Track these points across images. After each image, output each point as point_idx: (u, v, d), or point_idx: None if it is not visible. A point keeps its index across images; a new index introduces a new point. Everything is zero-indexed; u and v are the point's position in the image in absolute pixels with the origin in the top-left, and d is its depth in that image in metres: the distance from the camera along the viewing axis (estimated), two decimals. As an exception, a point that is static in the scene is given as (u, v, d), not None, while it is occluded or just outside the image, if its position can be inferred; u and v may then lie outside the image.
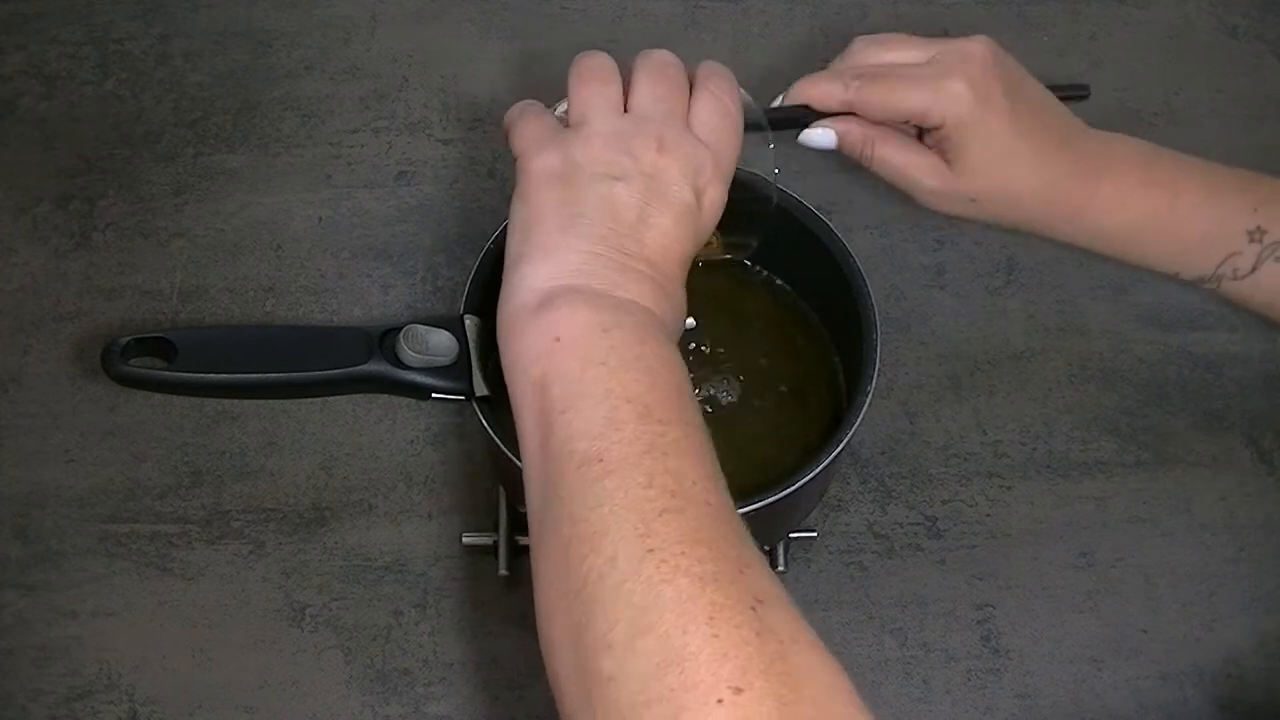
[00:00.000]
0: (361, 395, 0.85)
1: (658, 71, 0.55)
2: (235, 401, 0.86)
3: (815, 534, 0.82)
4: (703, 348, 0.81)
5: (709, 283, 0.83)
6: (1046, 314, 0.92)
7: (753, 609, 0.41)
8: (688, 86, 0.55)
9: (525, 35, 1.03)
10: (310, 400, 0.86)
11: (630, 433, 0.45)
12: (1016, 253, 0.94)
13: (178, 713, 0.77)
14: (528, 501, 0.47)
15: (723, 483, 0.46)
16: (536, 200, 0.52)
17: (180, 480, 0.84)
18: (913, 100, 0.61)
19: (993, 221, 0.65)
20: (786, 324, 0.82)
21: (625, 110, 0.54)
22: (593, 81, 0.54)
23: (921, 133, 0.64)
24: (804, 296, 0.83)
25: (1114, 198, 0.63)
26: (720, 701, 0.38)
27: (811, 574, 0.82)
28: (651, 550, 0.42)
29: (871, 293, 0.74)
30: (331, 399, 0.86)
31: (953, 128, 0.61)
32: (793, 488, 0.68)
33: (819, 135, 0.64)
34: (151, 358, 0.69)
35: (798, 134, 0.64)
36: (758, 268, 0.84)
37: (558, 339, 0.48)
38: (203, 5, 1.04)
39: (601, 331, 0.48)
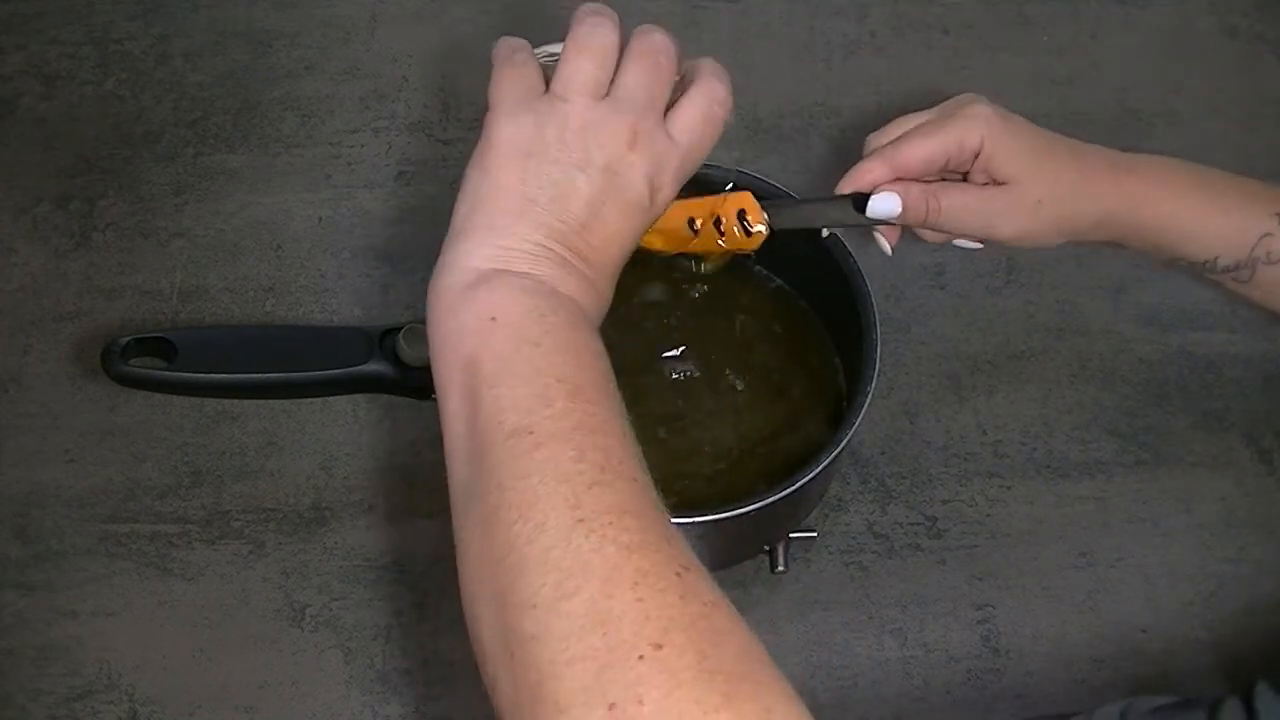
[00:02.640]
0: (361, 395, 0.85)
1: (649, 58, 0.54)
2: (235, 401, 0.86)
3: (815, 534, 0.82)
4: (706, 348, 0.81)
5: (709, 283, 0.83)
6: (1046, 314, 0.92)
7: (678, 574, 0.42)
8: (675, 76, 0.55)
9: (525, 35, 1.02)
10: (310, 400, 0.86)
11: (560, 409, 0.46)
12: (1016, 253, 0.94)
13: (178, 713, 0.77)
14: (450, 476, 0.48)
15: (644, 465, 0.47)
16: (496, 173, 0.51)
17: (180, 480, 0.84)
18: (947, 136, 0.65)
19: (1061, 234, 0.68)
20: (787, 324, 0.82)
21: (608, 91, 0.53)
22: (587, 55, 0.53)
23: (964, 179, 0.68)
24: (804, 296, 0.83)
25: (1145, 190, 0.67)
26: (641, 657, 0.39)
27: (811, 574, 0.82)
28: (581, 520, 0.43)
29: (871, 293, 0.74)
30: (331, 399, 0.86)
31: (990, 141, 0.64)
32: (793, 488, 0.68)
33: (883, 201, 0.66)
34: (151, 358, 0.69)
35: (860, 211, 0.67)
36: (758, 267, 0.84)
37: (493, 319, 0.48)
38: (203, 5, 1.04)
39: (538, 316, 0.48)
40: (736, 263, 0.81)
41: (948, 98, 0.68)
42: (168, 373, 0.69)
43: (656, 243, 0.65)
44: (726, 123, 0.58)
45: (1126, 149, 0.92)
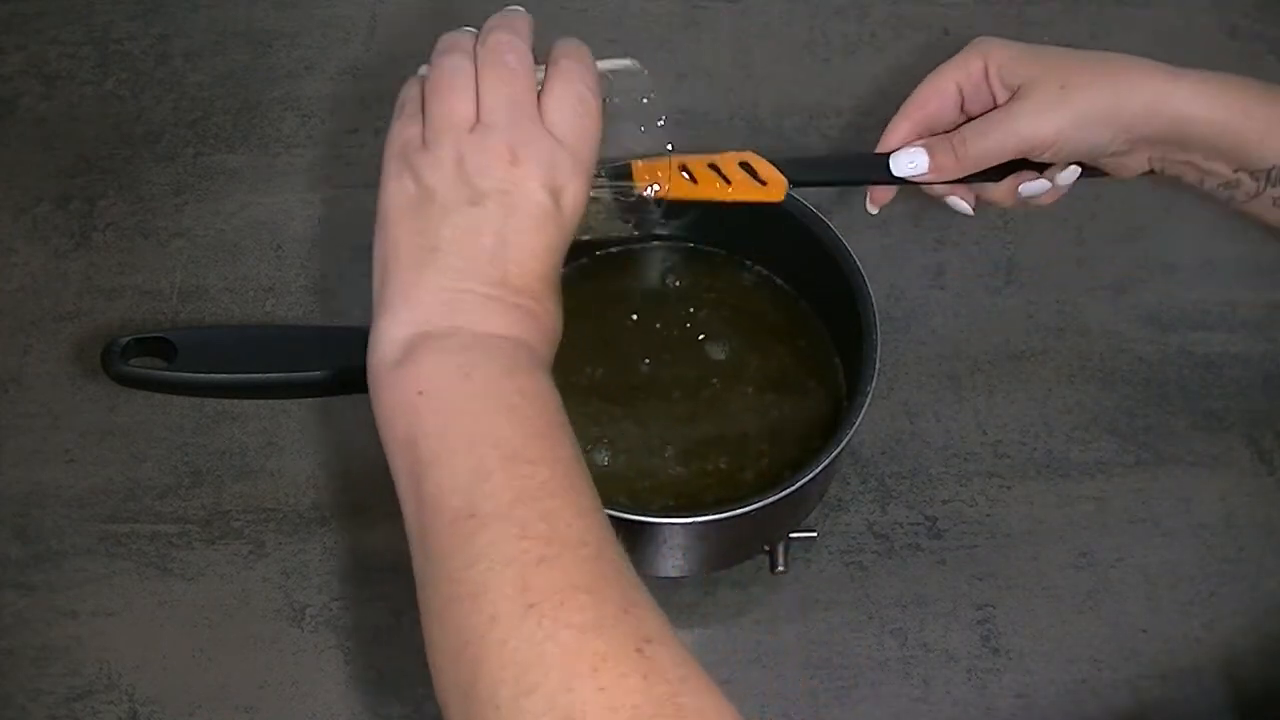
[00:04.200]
0: (361, 395, 0.85)
1: (499, 67, 0.52)
2: (235, 401, 0.86)
3: (815, 534, 0.82)
4: (706, 348, 0.81)
5: (709, 283, 0.83)
6: (1046, 314, 0.92)
7: (639, 650, 0.41)
8: (533, 74, 0.53)
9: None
10: (310, 400, 0.86)
11: (499, 482, 0.44)
12: (1016, 253, 0.94)
13: (178, 713, 0.77)
14: (412, 557, 0.47)
15: (599, 517, 0.45)
16: (394, 234, 0.50)
17: (180, 480, 0.84)
18: (950, 66, 0.63)
19: (1109, 126, 0.62)
20: (786, 324, 0.82)
21: (477, 119, 0.51)
22: (445, 90, 0.51)
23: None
24: (804, 296, 0.83)
25: (1194, 88, 0.61)
26: None
27: (811, 574, 0.82)
28: (532, 605, 0.41)
29: (871, 293, 0.74)
30: (331, 399, 0.86)
31: (993, 57, 0.62)
32: (793, 488, 0.68)
33: (907, 157, 0.64)
34: (151, 358, 0.69)
35: (887, 170, 0.65)
36: (758, 267, 0.84)
37: (420, 392, 0.47)
38: (203, 5, 1.04)
39: (463, 377, 0.47)
40: (722, 258, 0.81)
41: None
42: (168, 373, 0.68)
43: (662, 186, 0.64)
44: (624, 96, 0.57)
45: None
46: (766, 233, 0.80)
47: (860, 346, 0.73)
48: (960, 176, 0.64)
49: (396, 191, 0.51)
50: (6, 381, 0.88)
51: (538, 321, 0.50)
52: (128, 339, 0.68)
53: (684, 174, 0.64)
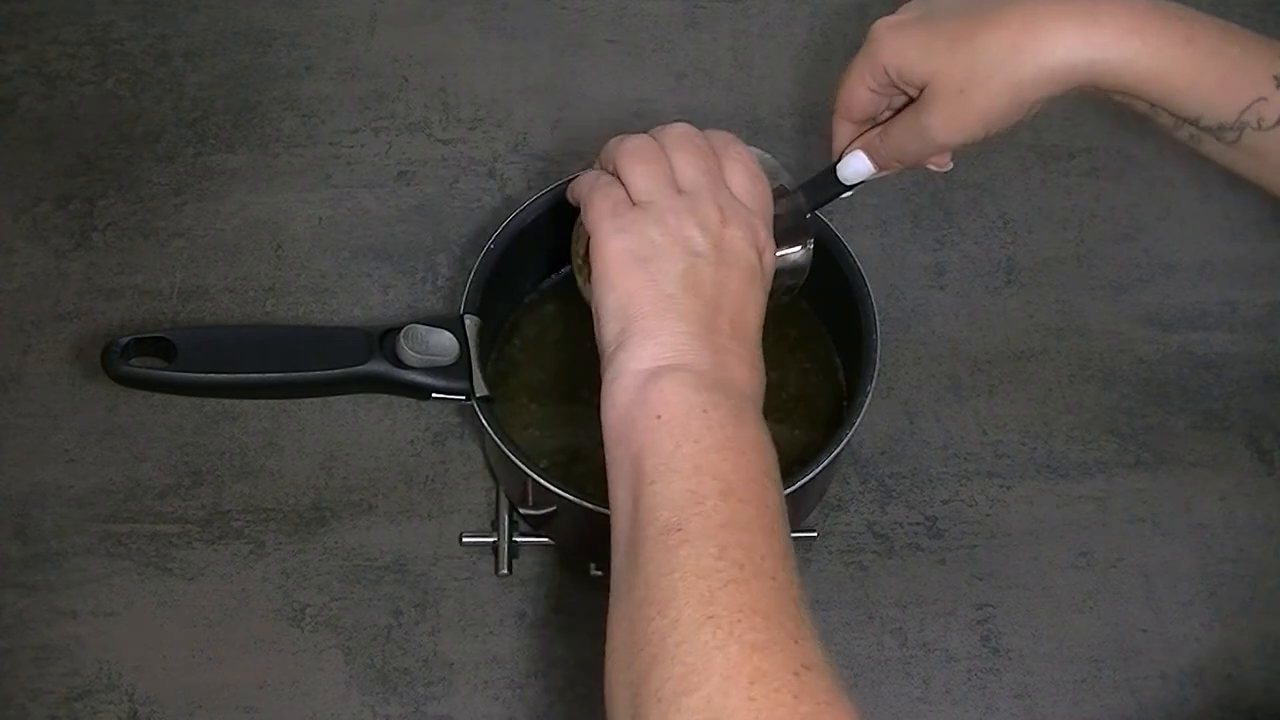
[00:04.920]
0: (361, 395, 0.85)
1: (688, 145, 0.58)
2: (235, 401, 0.86)
3: (815, 534, 0.82)
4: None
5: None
6: (1046, 314, 0.92)
7: (795, 674, 0.44)
8: (715, 156, 0.58)
9: (525, 35, 1.03)
10: (310, 400, 0.86)
11: (711, 507, 0.48)
12: (1016, 253, 0.94)
13: (178, 713, 0.77)
14: (612, 563, 0.51)
15: (791, 562, 0.50)
16: (625, 285, 0.54)
17: (180, 480, 0.84)
18: (856, 67, 0.63)
19: (1016, 109, 0.59)
20: (786, 324, 0.82)
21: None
22: (644, 161, 0.57)
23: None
24: (804, 296, 0.83)
25: (1114, 44, 0.57)
26: None
27: (811, 574, 0.82)
28: (711, 616, 0.45)
29: (871, 293, 0.74)
30: (331, 399, 0.86)
31: (886, 55, 0.61)
32: (792, 488, 0.68)
33: (853, 163, 0.65)
34: (151, 358, 0.69)
35: (840, 181, 0.67)
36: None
37: (659, 416, 0.51)
38: (203, 5, 1.04)
39: (701, 412, 0.51)
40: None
41: None
42: (168, 373, 0.69)
43: None
44: (774, 170, 0.63)
45: (1127, 148, 0.92)
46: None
47: (860, 346, 0.73)
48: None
49: (619, 248, 0.55)
50: (6, 381, 0.88)
51: (757, 375, 0.55)
52: (128, 339, 0.69)
53: None
